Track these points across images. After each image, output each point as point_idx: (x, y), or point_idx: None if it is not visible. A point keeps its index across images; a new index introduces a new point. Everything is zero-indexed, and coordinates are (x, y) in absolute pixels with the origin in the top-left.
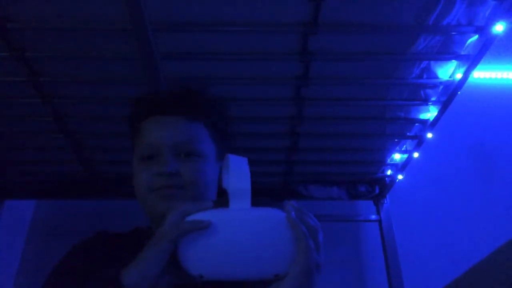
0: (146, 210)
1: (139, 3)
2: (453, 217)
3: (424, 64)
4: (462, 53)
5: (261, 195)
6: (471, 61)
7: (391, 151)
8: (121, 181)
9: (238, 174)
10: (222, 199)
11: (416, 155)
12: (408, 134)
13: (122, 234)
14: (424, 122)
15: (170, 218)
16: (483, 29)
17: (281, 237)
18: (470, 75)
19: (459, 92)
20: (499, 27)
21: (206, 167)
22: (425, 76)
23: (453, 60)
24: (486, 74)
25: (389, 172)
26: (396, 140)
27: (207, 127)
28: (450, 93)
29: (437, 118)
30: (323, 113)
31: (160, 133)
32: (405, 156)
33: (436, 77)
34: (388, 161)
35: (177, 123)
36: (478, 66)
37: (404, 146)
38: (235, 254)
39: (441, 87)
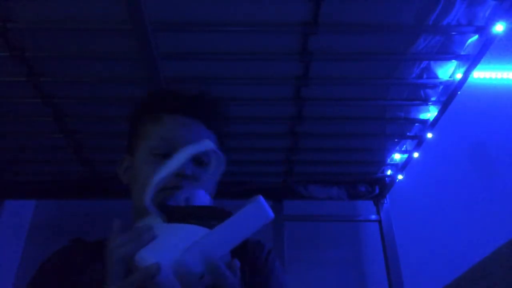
0: (137, 202)
1: (139, 3)
2: (453, 217)
3: (424, 64)
4: (462, 53)
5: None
6: (471, 61)
7: (391, 151)
8: (121, 181)
9: None
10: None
11: (416, 155)
12: (408, 134)
13: (97, 242)
14: (424, 122)
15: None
16: (483, 29)
17: None
18: (470, 75)
19: (459, 92)
20: (499, 27)
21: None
22: (425, 76)
23: (453, 60)
24: (486, 74)
25: (389, 172)
26: (396, 140)
27: (215, 135)
28: (450, 93)
29: (437, 118)
30: (323, 113)
31: (183, 133)
32: (405, 156)
33: (436, 77)
34: (388, 161)
35: (197, 127)
36: (478, 66)
37: (404, 146)
38: None
39: (441, 87)
